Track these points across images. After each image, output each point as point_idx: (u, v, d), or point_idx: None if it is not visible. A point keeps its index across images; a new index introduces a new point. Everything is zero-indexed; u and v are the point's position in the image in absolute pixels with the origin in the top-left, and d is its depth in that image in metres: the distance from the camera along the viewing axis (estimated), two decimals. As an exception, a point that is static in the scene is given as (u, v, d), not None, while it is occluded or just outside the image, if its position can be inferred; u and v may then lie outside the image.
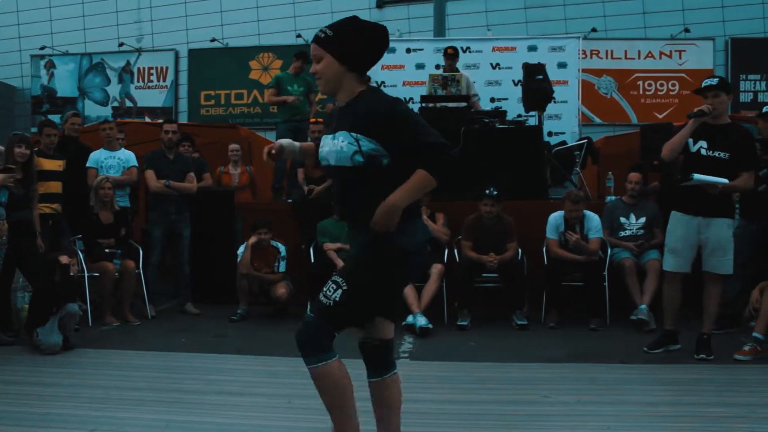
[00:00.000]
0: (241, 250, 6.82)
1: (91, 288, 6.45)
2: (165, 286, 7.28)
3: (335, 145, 2.79)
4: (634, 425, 3.84)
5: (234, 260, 6.93)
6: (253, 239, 6.73)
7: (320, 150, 2.91)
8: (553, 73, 8.74)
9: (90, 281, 6.40)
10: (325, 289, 2.80)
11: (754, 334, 5.26)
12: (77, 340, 5.61)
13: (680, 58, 12.80)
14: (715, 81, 5.14)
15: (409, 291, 6.20)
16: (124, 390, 4.42)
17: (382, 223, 2.66)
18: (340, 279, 2.78)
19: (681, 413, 4.12)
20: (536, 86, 8.11)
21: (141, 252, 6.88)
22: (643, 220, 6.71)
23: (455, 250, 6.76)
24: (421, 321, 6.02)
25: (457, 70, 8.80)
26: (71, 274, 5.61)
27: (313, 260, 6.90)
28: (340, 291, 2.75)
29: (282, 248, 6.84)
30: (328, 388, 2.81)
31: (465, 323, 6.30)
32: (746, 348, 5.21)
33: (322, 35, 2.81)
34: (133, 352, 5.45)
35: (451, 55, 8.89)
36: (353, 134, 2.74)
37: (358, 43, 2.79)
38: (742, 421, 3.87)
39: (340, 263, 6.62)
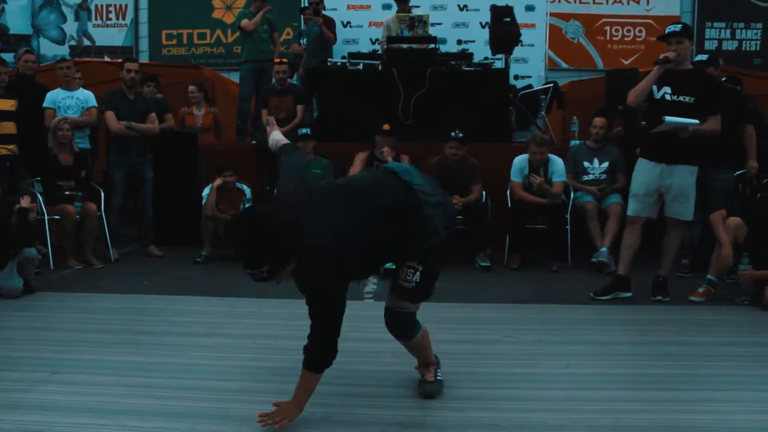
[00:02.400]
0: (205, 192, 6.76)
1: (52, 231, 6.35)
2: (128, 229, 7.20)
3: None
4: (592, 363, 3.95)
5: (198, 202, 6.86)
6: (218, 181, 6.66)
7: None
8: (520, 16, 8.66)
9: (50, 224, 6.30)
10: (403, 276, 3.13)
11: (708, 276, 5.42)
12: (38, 283, 5.54)
13: (647, 4, 12.71)
14: (678, 27, 5.15)
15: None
16: (87, 333, 4.41)
17: None
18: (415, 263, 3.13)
19: (637, 352, 4.25)
20: (503, 29, 8.05)
21: (102, 194, 6.77)
22: (606, 164, 6.78)
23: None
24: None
25: (409, 10, 8.67)
26: (29, 218, 5.50)
27: (278, 202, 6.88)
28: (417, 273, 3.12)
29: (247, 190, 6.79)
30: (423, 344, 3.37)
31: (429, 266, 6.36)
32: (700, 290, 5.38)
33: None
34: (95, 295, 5.41)
35: None
36: None
37: None
38: (695, 359, 4.01)
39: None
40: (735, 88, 6.29)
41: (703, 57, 6.22)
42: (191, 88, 8.59)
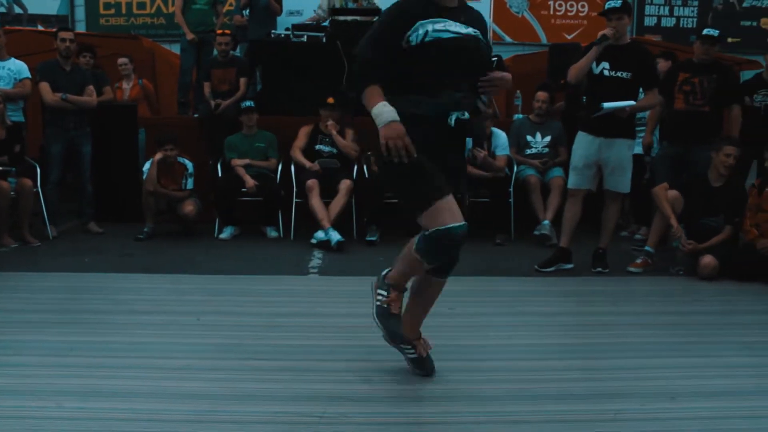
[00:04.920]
0: (146, 166, 6.61)
1: (-15, 208, 6.13)
2: (67, 205, 7.00)
3: None
4: (533, 334, 4.04)
5: (138, 177, 6.72)
6: (158, 155, 6.52)
7: None
8: (465, -10, 8.65)
9: (-17, 200, 6.08)
10: None
11: (646, 247, 5.59)
12: (-28, 262, 5.38)
13: (590, -21, 12.90)
14: (618, 3, 5.21)
15: (317, 206, 6.24)
16: (25, 313, 4.29)
17: None
18: None
19: (577, 322, 4.38)
20: (448, 2, 8.02)
21: (39, 170, 6.56)
22: (548, 138, 6.87)
23: (364, 166, 6.77)
24: (336, 236, 6.07)
25: None
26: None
27: (220, 176, 6.79)
28: None
29: (189, 165, 6.67)
30: None
31: (374, 238, 6.38)
32: (638, 260, 5.55)
33: None
34: (33, 274, 5.26)
35: None
36: None
37: None
38: (634, 328, 4.16)
39: (248, 180, 6.54)
40: (729, 67, 6.31)
41: (714, 32, 5.93)
42: (121, 60, 8.39)
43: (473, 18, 3.14)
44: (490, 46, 3.25)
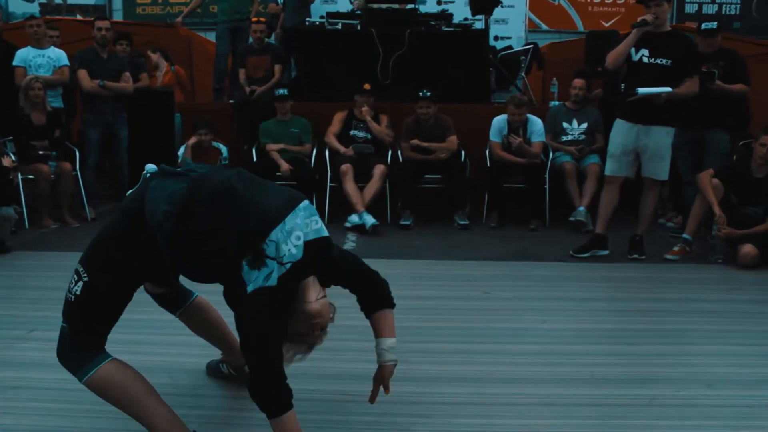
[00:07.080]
0: (181, 151, 6.69)
1: (27, 191, 6.26)
2: (104, 188, 7.12)
3: None
4: (569, 318, 4.01)
5: (174, 161, 6.79)
6: (193, 140, 6.60)
7: None
8: (501, -23, 8.59)
9: (24, 184, 6.20)
10: (69, 283, 2.43)
11: (684, 235, 5.49)
12: (14, 243, 5.49)
13: (628, -35, 12.70)
14: None
15: (352, 190, 6.26)
16: (64, 291, 4.35)
17: None
18: (81, 267, 2.45)
19: (612, 308, 4.33)
20: (483, -11, 7.98)
21: (78, 154, 6.67)
22: (585, 125, 6.79)
23: (398, 151, 6.77)
24: (370, 219, 6.09)
25: None
26: (11, 177, 5.42)
27: (255, 160, 6.84)
28: (81, 283, 2.42)
29: (224, 149, 6.74)
30: (114, 394, 2.42)
31: (408, 223, 6.38)
32: (675, 248, 5.45)
33: None
34: (72, 254, 5.24)
35: None
36: None
37: None
38: (669, 315, 4.10)
39: (283, 164, 6.57)
40: (734, 51, 6.24)
41: (713, 25, 5.97)
42: (149, 53, 8.44)
43: None
44: None
